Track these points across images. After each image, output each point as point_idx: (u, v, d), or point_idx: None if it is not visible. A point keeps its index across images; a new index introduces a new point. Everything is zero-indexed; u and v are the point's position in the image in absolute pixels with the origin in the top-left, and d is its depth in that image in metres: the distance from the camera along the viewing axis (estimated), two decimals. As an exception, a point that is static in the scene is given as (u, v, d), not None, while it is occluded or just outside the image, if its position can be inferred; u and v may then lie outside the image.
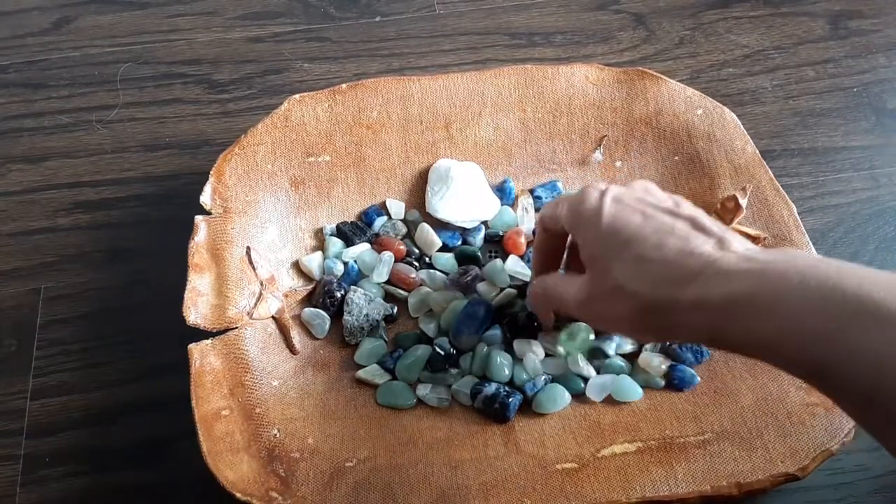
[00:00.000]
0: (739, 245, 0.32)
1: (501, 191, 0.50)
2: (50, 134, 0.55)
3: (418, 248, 0.48)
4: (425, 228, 0.48)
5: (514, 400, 0.41)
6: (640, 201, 0.36)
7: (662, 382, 0.43)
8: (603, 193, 0.36)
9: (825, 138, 0.55)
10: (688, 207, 0.36)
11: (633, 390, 0.42)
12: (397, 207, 0.49)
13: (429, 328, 0.45)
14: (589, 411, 0.42)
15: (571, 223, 0.37)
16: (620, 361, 0.44)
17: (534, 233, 0.48)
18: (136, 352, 0.46)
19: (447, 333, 0.45)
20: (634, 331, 0.35)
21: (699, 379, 0.43)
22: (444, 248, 0.48)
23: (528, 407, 0.42)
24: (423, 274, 0.47)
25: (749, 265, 0.30)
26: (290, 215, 0.48)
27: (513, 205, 0.50)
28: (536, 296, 0.41)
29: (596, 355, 0.44)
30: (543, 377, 0.43)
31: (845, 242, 0.50)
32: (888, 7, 0.62)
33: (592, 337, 0.44)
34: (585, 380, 0.43)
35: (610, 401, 0.43)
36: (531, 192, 0.50)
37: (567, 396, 0.42)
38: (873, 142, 0.55)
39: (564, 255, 0.42)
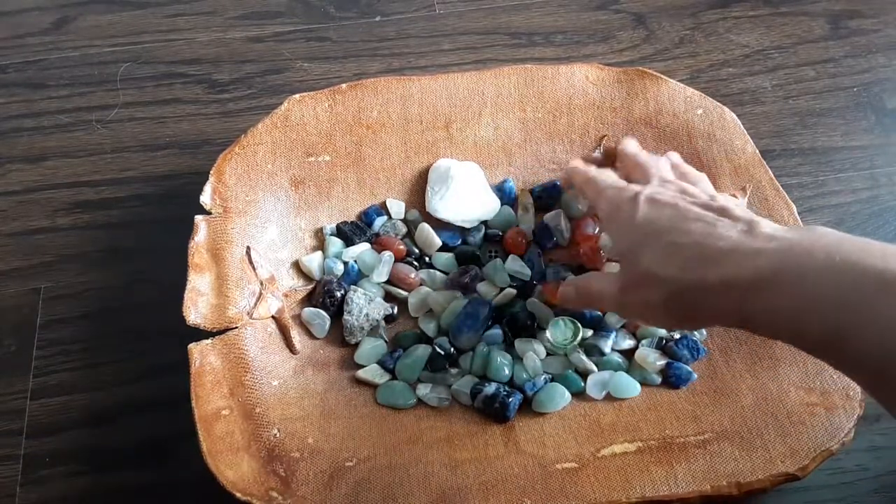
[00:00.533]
0: (768, 227, 0.33)
1: (501, 190, 0.50)
2: (49, 134, 0.55)
3: (418, 247, 0.48)
4: (425, 228, 0.48)
5: (514, 400, 0.41)
6: (672, 198, 0.37)
7: (659, 379, 0.43)
8: (637, 194, 0.38)
9: (825, 138, 0.55)
10: (722, 199, 0.37)
11: (631, 386, 0.42)
12: (397, 207, 0.49)
13: (429, 328, 0.45)
14: (589, 411, 0.42)
15: (608, 217, 0.39)
16: (617, 358, 0.44)
17: (534, 232, 0.49)
18: (136, 352, 0.46)
19: (447, 333, 0.45)
20: (668, 317, 0.36)
21: (696, 376, 0.43)
22: (444, 248, 0.48)
23: (529, 406, 0.42)
24: (424, 274, 0.47)
25: (776, 244, 0.31)
26: (290, 215, 0.48)
27: (513, 204, 0.50)
28: (567, 295, 0.42)
29: (592, 352, 0.44)
30: (543, 377, 0.43)
31: (845, 242, 0.50)
32: (888, 7, 0.62)
33: (590, 333, 0.44)
34: (585, 375, 0.43)
35: (609, 399, 0.43)
36: (531, 191, 0.50)
37: (567, 396, 0.42)
38: (873, 141, 0.55)
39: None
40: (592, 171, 0.43)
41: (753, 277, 0.30)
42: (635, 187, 0.39)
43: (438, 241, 0.48)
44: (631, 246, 0.36)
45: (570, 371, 0.43)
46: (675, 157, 0.44)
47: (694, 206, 0.36)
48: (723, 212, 0.35)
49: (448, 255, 0.48)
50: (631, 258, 0.36)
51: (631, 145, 0.46)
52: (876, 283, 0.27)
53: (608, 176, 0.42)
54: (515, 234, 0.48)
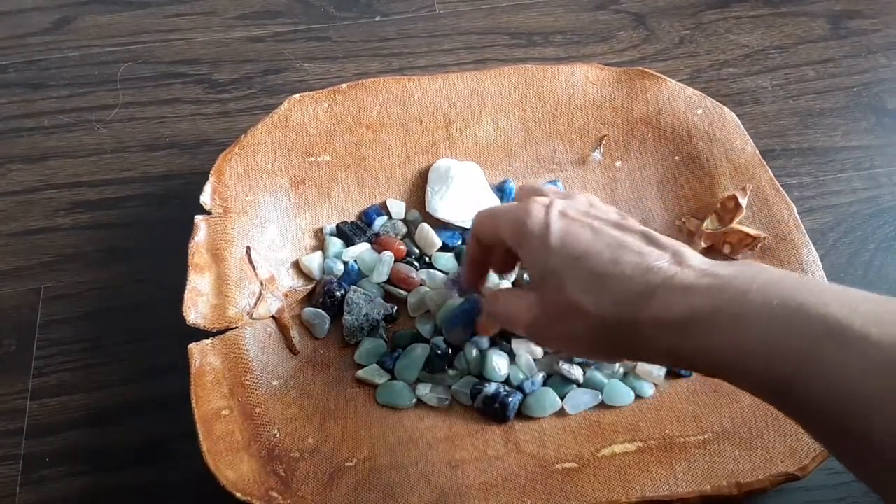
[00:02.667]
0: (695, 259, 0.31)
1: (501, 191, 0.50)
2: (50, 134, 0.55)
3: (418, 247, 0.48)
4: (425, 228, 0.48)
5: (514, 399, 0.41)
6: (586, 215, 0.35)
7: (651, 390, 0.43)
8: (548, 208, 0.35)
9: (825, 138, 0.55)
10: (633, 222, 0.35)
11: (625, 395, 0.42)
12: (398, 207, 0.49)
13: (425, 329, 0.45)
14: (589, 411, 0.42)
15: (515, 240, 0.35)
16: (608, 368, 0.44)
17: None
18: (136, 352, 0.46)
19: (440, 332, 0.45)
20: (592, 351, 0.34)
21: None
22: (444, 248, 0.48)
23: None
24: (424, 274, 0.47)
25: (709, 280, 0.29)
26: (290, 215, 0.48)
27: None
28: (486, 325, 0.41)
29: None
30: (541, 375, 0.43)
31: (845, 242, 0.50)
32: (888, 7, 0.62)
33: None
34: (575, 382, 0.43)
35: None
36: (531, 191, 0.50)
37: (558, 402, 0.42)
38: (873, 141, 0.55)
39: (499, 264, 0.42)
40: (489, 207, 0.39)
41: (688, 317, 0.29)
42: (540, 200, 0.35)
43: (438, 242, 0.48)
44: (550, 269, 0.33)
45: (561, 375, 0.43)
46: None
47: (611, 227, 0.34)
48: (647, 237, 0.33)
49: (448, 255, 0.48)
50: (552, 283, 0.33)
51: (479, 223, 0.40)
52: (821, 330, 0.25)
53: (504, 205, 0.40)
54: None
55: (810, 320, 0.26)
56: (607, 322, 0.31)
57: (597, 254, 0.32)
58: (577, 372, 0.43)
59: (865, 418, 0.24)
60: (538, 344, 0.42)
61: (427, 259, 0.48)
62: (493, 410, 0.41)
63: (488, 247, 0.39)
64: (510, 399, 0.41)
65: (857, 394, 0.24)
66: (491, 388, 0.42)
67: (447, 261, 0.48)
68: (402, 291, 0.46)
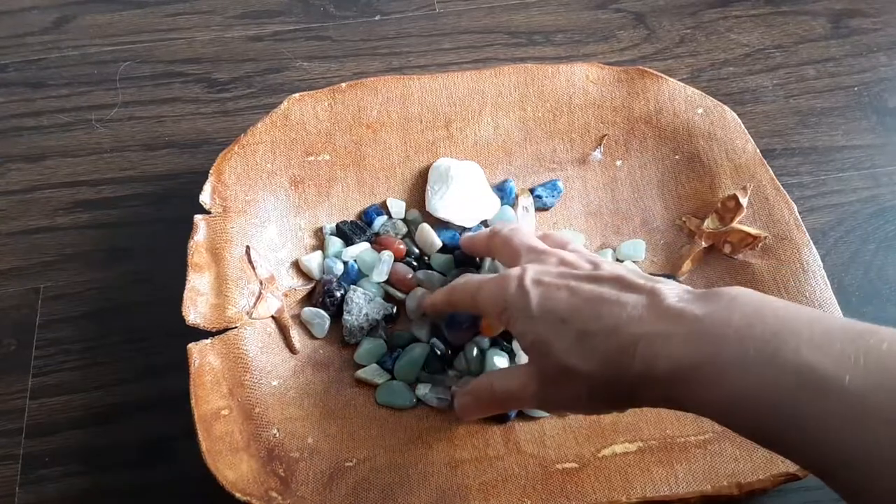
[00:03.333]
0: (671, 295, 0.31)
1: (502, 190, 0.49)
2: (49, 133, 0.55)
3: (419, 248, 0.48)
4: (426, 229, 0.48)
5: None
6: (560, 276, 0.35)
7: None
8: (520, 279, 0.35)
9: (826, 137, 0.55)
10: (607, 266, 0.35)
11: None
12: (398, 207, 0.49)
13: (421, 333, 0.45)
14: (589, 411, 0.42)
15: (497, 315, 0.36)
16: None
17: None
18: (136, 351, 0.46)
19: (439, 334, 0.44)
20: (596, 407, 0.34)
21: None
22: (444, 249, 0.48)
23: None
24: (421, 274, 0.47)
25: (685, 327, 0.29)
26: (290, 214, 0.48)
27: (513, 205, 0.50)
28: (466, 406, 0.39)
29: None
30: None
31: (846, 242, 0.50)
32: (889, 6, 0.62)
33: None
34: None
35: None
36: (531, 191, 0.50)
37: None
38: (874, 141, 0.55)
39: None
40: (450, 285, 0.41)
41: (672, 373, 0.29)
42: (513, 272, 0.36)
43: (439, 242, 0.47)
44: (537, 338, 0.34)
45: None
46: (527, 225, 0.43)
47: (584, 281, 0.34)
48: (619, 282, 0.33)
49: (445, 257, 0.47)
50: (541, 351, 0.34)
51: (478, 238, 0.44)
52: (794, 381, 0.26)
53: (472, 277, 0.40)
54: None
55: (784, 371, 0.26)
56: (601, 379, 0.32)
57: (578, 312, 0.33)
58: None
59: (843, 465, 0.25)
60: (546, 412, 0.41)
61: (426, 259, 0.48)
62: None
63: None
64: None
65: (833, 444, 0.25)
66: None
67: (444, 262, 0.47)
68: (399, 293, 0.46)
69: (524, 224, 0.48)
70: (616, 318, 0.31)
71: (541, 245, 0.39)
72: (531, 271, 0.36)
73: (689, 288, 0.33)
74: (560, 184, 0.50)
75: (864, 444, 0.24)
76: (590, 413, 0.40)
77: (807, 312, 0.28)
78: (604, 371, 0.31)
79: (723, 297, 0.30)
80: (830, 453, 0.25)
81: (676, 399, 0.30)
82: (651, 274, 0.40)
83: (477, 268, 0.47)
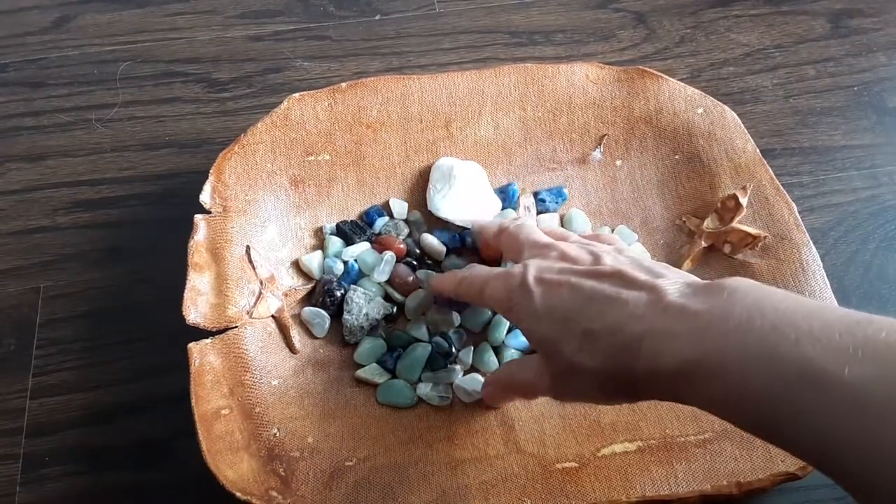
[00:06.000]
0: (672, 290, 0.31)
1: (505, 193, 0.49)
2: (49, 133, 0.55)
3: (425, 253, 0.48)
4: (428, 238, 0.47)
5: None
6: (561, 272, 0.35)
7: None
8: (523, 277, 0.36)
9: (826, 137, 0.55)
10: (608, 258, 0.36)
11: None
12: (400, 207, 0.49)
13: (420, 333, 0.45)
14: (589, 410, 0.42)
15: (504, 311, 0.37)
16: None
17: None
18: (136, 351, 0.46)
19: (436, 335, 0.45)
20: (607, 400, 0.35)
21: None
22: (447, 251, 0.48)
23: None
24: (422, 274, 0.47)
25: (687, 324, 0.30)
26: (290, 214, 0.48)
27: (515, 206, 0.49)
28: (493, 395, 0.41)
29: None
30: None
31: (846, 241, 0.50)
32: (889, 5, 0.62)
33: None
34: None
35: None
36: (535, 194, 0.50)
37: None
38: (874, 140, 0.55)
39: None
40: (458, 274, 0.41)
41: (676, 370, 0.29)
42: (516, 270, 0.37)
43: (443, 249, 0.47)
44: (544, 337, 0.35)
45: None
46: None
47: (585, 277, 0.34)
48: (620, 277, 0.33)
49: (453, 259, 0.47)
50: (550, 349, 0.34)
51: (486, 230, 0.44)
52: (794, 377, 0.26)
53: (479, 270, 0.41)
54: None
55: (784, 366, 0.26)
56: (607, 376, 0.32)
57: (579, 311, 0.33)
58: None
59: (843, 459, 0.25)
60: (563, 402, 0.42)
61: (427, 261, 0.47)
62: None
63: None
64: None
65: (833, 437, 0.25)
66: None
67: (452, 264, 0.47)
68: (399, 296, 0.46)
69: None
70: (618, 317, 0.32)
71: (543, 239, 0.39)
72: (533, 268, 0.36)
73: (691, 279, 0.33)
74: (565, 191, 0.50)
75: (863, 436, 0.24)
76: (603, 404, 0.40)
77: (806, 304, 0.29)
78: (609, 368, 0.32)
79: (723, 290, 0.30)
80: (831, 446, 0.25)
81: (680, 394, 0.30)
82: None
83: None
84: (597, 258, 0.36)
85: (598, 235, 0.41)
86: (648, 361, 0.30)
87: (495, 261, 0.46)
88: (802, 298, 0.30)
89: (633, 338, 0.31)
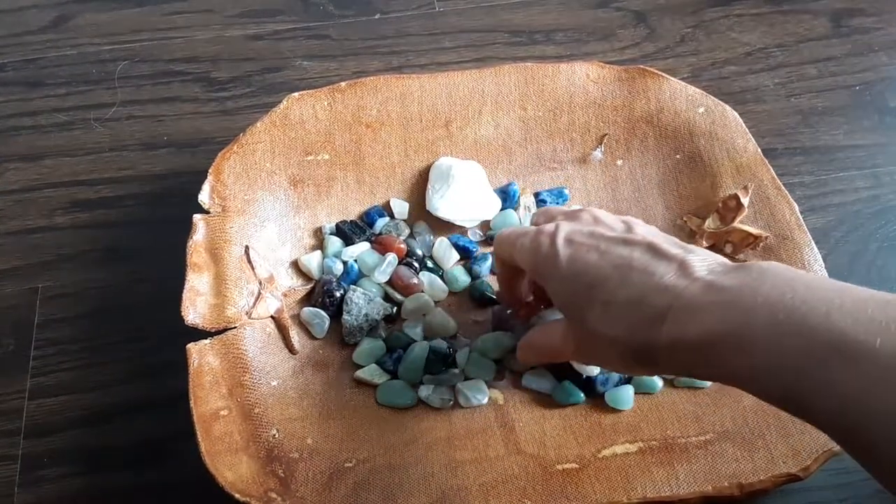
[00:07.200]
0: (701, 268, 0.31)
1: (505, 193, 0.49)
2: (47, 132, 0.55)
3: (435, 262, 0.48)
4: (444, 244, 0.47)
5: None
6: (591, 235, 0.35)
7: (660, 383, 0.43)
8: (553, 236, 0.36)
9: (827, 137, 0.55)
10: (641, 229, 0.35)
11: (626, 400, 0.42)
12: (401, 207, 0.49)
13: (415, 333, 0.45)
14: (590, 411, 0.42)
15: (532, 271, 0.37)
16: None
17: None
18: (134, 351, 0.46)
19: (430, 337, 0.45)
20: (628, 368, 0.35)
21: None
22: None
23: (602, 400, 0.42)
24: (424, 277, 0.46)
25: (715, 297, 0.29)
26: (289, 214, 0.48)
27: (515, 207, 0.49)
28: (527, 355, 0.41)
29: None
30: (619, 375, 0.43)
31: (847, 241, 0.50)
32: (890, 5, 0.62)
33: None
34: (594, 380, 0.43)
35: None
36: (536, 194, 0.49)
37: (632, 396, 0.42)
38: (876, 140, 0.54)
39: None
40: (496, 238, 0.41)
41: (701, 341, 0.29)
42: (547, 228, 0.36)
43: (456, 256, 0.47)
44: (568, 301, 0.35)
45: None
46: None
47: (615, 244, 0.34)
48: (650, 248, 0.33)
49: (460, 270, 0.47)
50: (574, 315, 0.35)
51: (499, 249, 0.42)
52: (825, 348, 0.26)
53: (512, 229, 0.40)
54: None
55: (814, 336, 0.26)
56: (630, 345, 0.32)
57: (605, 279, 0.33)
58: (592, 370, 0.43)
59: (869, 431, 0.25)
60: (588, 365, 0.42)
61: (428, 263, 0.47)
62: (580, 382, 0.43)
63: (513, 267, 0.40)
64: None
65: (862, 408, 0.25)
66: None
67: (460, 273, 0.47)
68: (399, 296, 0.46)
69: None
70: (643, 287, 0.32)
71: (577, 207, 0.39)
72: (564, 229, 0.36)
73: (721, 259, 0.32)
74: (566, 191, 0.49)
75: (893, 407, 0.24)
76: (624, 373, 0.41)
77: (836, 283, 0.28)
78: (631, 339, 0.32)
79: (753, 269, 0.30)
80: (860, 417, 0.25)
81: (702, 367, 0.30)
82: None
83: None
84: (629, 227, 0.36)
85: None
86: (672, 333, 0.30)
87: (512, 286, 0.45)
88: (833, 280, 0.29)
89: (658, 309, 0.31)
